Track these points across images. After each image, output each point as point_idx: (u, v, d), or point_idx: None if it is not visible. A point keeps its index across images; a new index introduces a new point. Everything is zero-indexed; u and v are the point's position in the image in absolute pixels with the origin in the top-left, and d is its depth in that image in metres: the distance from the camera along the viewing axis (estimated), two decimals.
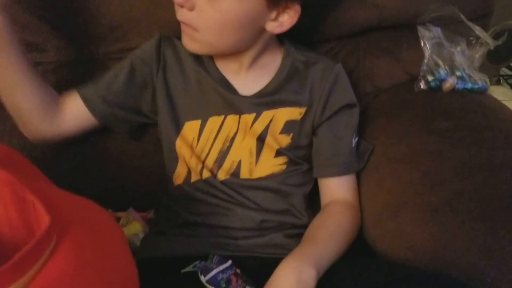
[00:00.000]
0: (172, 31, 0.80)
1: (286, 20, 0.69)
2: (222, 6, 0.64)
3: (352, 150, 0.77)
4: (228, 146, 0.74)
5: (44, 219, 0.43)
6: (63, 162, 0.84)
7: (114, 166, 0.87)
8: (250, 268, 0.67)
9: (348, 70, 0.82)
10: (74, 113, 0.75)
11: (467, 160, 0.67)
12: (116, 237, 0.50)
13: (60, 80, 0.83)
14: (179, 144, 0.76)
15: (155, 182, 0.87)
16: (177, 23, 0.80)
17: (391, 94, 0.86)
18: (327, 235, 0.69)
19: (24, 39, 0.81)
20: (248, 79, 0.75)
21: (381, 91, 0.88)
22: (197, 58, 0.76)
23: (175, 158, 0.77)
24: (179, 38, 0.76)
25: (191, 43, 0.70)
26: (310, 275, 0.61)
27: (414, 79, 0.85)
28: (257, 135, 0.75)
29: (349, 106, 0.77)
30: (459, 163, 0.67)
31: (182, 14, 0.67)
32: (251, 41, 0.71)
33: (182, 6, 0.66)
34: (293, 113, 0.75)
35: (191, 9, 0.65)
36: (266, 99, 0.75)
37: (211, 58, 0.76)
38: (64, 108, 0.74)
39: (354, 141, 0.77)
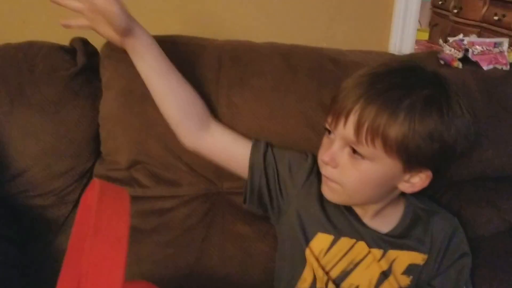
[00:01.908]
0: None
1: (417, 182, 0.76)
2: (363, 167, 0.73)
3: None
4: (351, 269, 0.81)
5: None
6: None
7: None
8: None
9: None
10: (232, 144, 0.87)
11: None
12: None
13: (191, 211, 0.96)
14: (308, 251, 0.82)
15: None
16: None
17: (493, 243, 0.89)
18: None
19: (165, 176, 0.96)
20: (378, 222, 0.83)
21: (482, 239, 0.91)
22: None
23: (302, 263, 0.83)
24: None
25: (330, 193, 0.79)
26: None
27: None
28: (381, 270, 0.80)
29: (464, 255, 0.82)
30: None
31: (326, 170, 0.77)
32: (382, 197, 0.80)
33: (327, 164, 0.76)
34: (416, 257, 0.81)
35: (335, 167, 0.75)
36: (391, 240, 0.82)
37: None
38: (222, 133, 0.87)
39: None
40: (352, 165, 0.74)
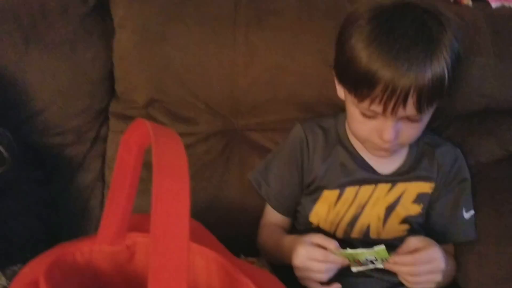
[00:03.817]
0: (304, 109, 0.98)
1: None
2: (422, 123, 0.78)
3: (468, 222, 0.88)
4: (359, 212, 0.86)
5: None
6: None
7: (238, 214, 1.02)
8: None
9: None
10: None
11: None
12: None
13: (209, 147, 1.00)
14: (315, 210, 0.88)
15: None
16: (309, 104, 0.96)
17: (491, 170, 0.96)
18: None
19: (182, 114, 0.99)
20: (384, 161, 0.87)
21: (481, 166, 0.97)
22: (339, 142, 0.89)
23: (308, 225, 0.90)
24: (316, 124, 0.90)
25: (389, 154, 0.83)
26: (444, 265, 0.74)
27: (511, 156, 0.96)
28: (387, 204, 0.86)
29: (464, 180, 0.89)
30: None
31: (388, 144, 0.77)
32: None
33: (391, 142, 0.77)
34: (425, 187, 0.87)
35: (396, 138, 0.77)
36: (401, 175, 0.87)
37: (350, 142, 0.88)
38: None
39: (470, 213, 0.88)
40: (412, 128, 0.77)
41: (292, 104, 0.97)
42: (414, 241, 0.74)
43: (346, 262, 0.74)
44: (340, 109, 0.95)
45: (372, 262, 0.74)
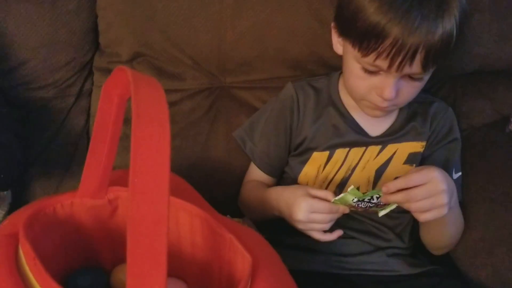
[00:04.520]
0: (293, 67, 0.95)
1: None
2: (422, 82, 0.76)
3: (455, 183, 0.84)
4: (350, 174, 0.85)
5: (244, 257, 0.56)
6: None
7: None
8: (355, 285, 0.80)
9: None
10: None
11: None
12: (280, 261, 0.64)
13: (195, 104, 0.97)
14: (304, 172, 0.87)
15: None
16: (298, 61, 0.94)
17: (483, 133, 0.95)
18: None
19: (168, 69, 0.96)
20: (375, 122, 0.85)
21: (473, 129, 0.96)
22: (331, 103, 0.87)
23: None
24: (308, 84, 0.88)
25: (384, 114, 0.81)
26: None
27: (504, 118, 0.94)
28: (377, 166, 0.85)
29: (454, 140, 0.88)
30: None
31: (386, 103, 0.76)
32: None
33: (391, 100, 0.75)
34: (416, 146, 0.86)
35: (396, 96, 0.75)
36: (391, 136, 0.85)
37: (342, 103, 0.86)
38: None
39: (458, 174, 0.87)
40: (412, 87, 0.76)
41: (281, 61, 0.94)
42: (411, 171, 0.72)
43: (347, 210, 0.74)
44: (330, 67, 0.93)
45: (370, 201, 0.73)
